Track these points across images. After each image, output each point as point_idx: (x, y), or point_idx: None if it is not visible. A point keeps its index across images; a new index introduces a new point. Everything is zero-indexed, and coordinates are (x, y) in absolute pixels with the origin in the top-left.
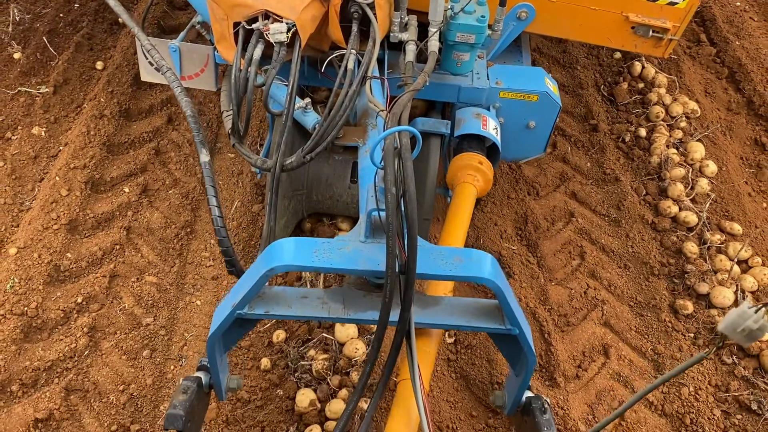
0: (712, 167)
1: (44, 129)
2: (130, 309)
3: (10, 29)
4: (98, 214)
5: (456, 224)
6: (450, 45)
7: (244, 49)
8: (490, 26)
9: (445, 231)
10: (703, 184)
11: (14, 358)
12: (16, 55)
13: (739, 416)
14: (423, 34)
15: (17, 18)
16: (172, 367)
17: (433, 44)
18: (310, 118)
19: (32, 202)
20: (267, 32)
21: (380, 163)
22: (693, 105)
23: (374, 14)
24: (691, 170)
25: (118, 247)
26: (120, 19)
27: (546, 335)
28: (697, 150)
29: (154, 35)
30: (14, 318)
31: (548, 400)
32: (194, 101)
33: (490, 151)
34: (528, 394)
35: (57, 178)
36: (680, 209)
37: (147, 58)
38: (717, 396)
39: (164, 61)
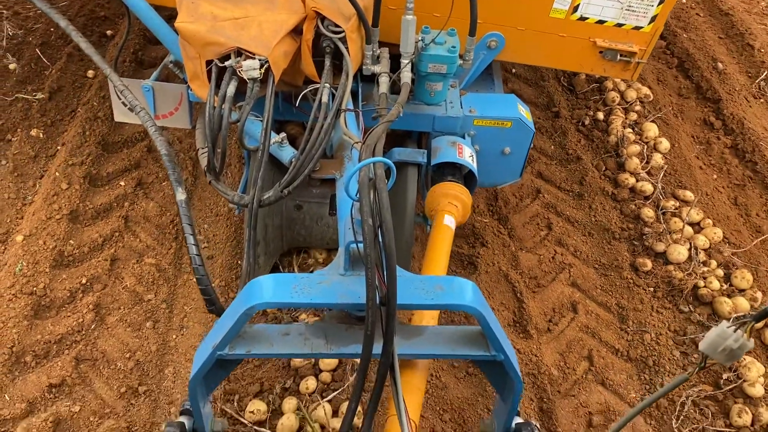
0: (665, 144)
1: (42, 131)
2: (132, 287)
3: (4, 43)
4: (97, 205)
5: (437, 253)
6: (423, 76)
7: (218, 86)
8: (461, 56)
9: (426, 261)
10: (658, 158)
11: (27, 333)
12: (12, 66)
13: (696, 355)
14: (396, 65)
15: (10, 33)
16: (174, 336)
17: (406, 76)
18: (286, 153)
19: (34, 196)
20: (240, 69)
21: (356, 195)
22: (646, 90)
23: (346, 48)
24: (645, 147)
25: (117, 233)
26: (94, 60)
27: (518, 295)
28: (651, 129)
29: (132, 68)
30: (24, 297)
31: (538, 425)
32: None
33: (467, 178)
34: (517, 420)
35: (57, 173)
36: (637, 180)
37: (120, 99)
38: (676, 339)
39: (137, 101)
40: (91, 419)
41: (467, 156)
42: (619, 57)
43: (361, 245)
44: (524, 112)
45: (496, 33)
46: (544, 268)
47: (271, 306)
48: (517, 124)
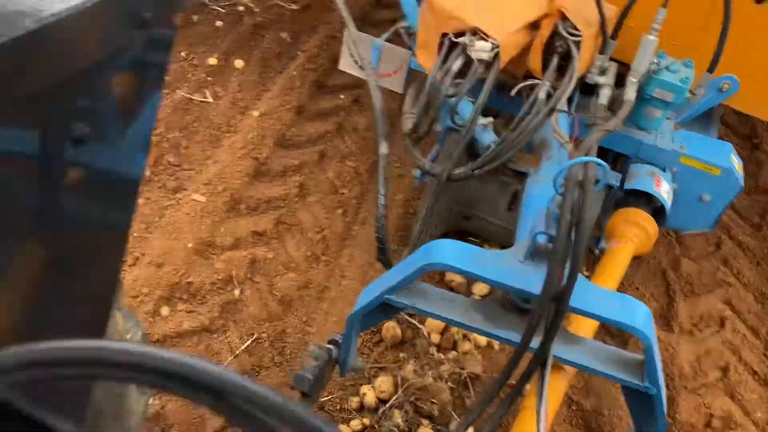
0: None
1: (289, 36)
2: (331, 180)
3: None
4: (320, 108)
5: (610, 272)
6: (645, 99)
7: (445, 60)
8: (690, 90)
9: (597, 275)
10: None
11: (245, 188)
12: None
13: None
14: (618, 82)
15: None
16: (357, 228)
17: (630, 93)
18: (488, 136)
19: (272, 86)
20: (472, 48)
21: (560, 189)
22: None
23: (578, 52)
24: None
25: (329, 134)
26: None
27: (671, 293)
28: None
29: (357, 26)
30: (250, 159)
31: None
32: None
33: (655, 214)
34: None
35: (294, 73)
36: None
37: (349, 51)
38: None
39: (366, 54)
40: (279, 268)
41: (664, 191)
42: None
43: (547, 236)
44: (737, 164)
45: (731, 76)
46: (703, 279)
47: (448, 269)
48: (727, 174)
